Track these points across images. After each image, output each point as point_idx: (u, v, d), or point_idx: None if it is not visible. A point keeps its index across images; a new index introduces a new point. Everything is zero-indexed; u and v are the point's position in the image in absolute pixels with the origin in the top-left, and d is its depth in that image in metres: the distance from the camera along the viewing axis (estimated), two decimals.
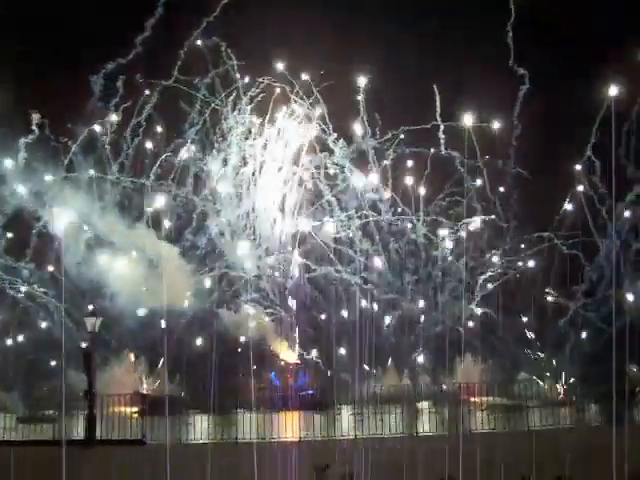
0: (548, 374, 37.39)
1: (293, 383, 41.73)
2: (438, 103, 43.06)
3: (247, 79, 44.26)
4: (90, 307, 28.84)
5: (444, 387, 36.19)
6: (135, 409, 32.29)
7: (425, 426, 26.12)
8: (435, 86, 42.65)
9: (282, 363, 44.37)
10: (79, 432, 25.16)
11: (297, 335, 44.80)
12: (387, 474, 13.13)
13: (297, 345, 44.97)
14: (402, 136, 44.06)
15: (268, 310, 44.17)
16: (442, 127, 43.37)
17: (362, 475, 12.90)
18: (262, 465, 14.18)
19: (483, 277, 44.56)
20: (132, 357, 42.17)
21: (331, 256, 44.16)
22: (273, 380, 42.59)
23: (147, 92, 42.71)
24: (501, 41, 41.01)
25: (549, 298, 43.25)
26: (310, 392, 39.57)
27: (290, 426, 26.07)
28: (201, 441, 24.32)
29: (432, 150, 43.82)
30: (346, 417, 28.58)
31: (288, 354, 45.00)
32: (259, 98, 44.38)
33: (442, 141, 43.60)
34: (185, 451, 21.07)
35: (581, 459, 13.18)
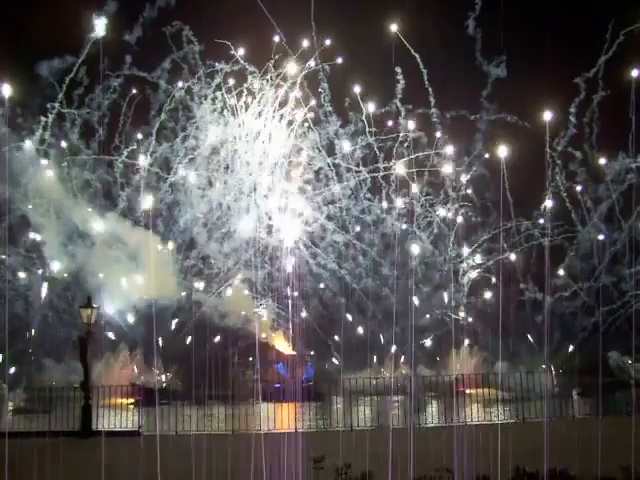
0: (544, 366, 37.42)
1: (301, 375, 41.73)
2: (401, 87, 43.04)
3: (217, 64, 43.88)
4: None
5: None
6: (131, 400, 32.34)
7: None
8: (399, 69, 42.67)
9: (277, 355, 44.48)
10: (75, 423, 25.11)
11: (291, 326, 44.85)
12: (382, 465, 13.15)
13: (291, 336, 45.03)
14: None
15: (259, 301, 44.19)
16: (403, 112, 43.45)
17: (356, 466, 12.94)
18: (258, 456, 14.20)
19: (462, 267, 44.63)
20: (127, 349, 42.29)
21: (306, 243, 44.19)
22: (280, 371, 42.62)
23: (115, 83, 42.39)
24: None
25: (527, 293, 43.42)
26: (309, 383, 39.71)
27: (287, 417, 26.08)
28: (197, 432, 24.31)
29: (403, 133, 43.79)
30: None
31: (283, 346, 45.01)
32: (222, 86, 44.07)
33: (402, 125, 43.65)
34: (181, 442, 21.07)
35: (576, 450, 13.21)
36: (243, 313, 43.08)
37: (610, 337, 40.00)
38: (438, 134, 43.93)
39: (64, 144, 43.01)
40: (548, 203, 44.07)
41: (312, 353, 43.93)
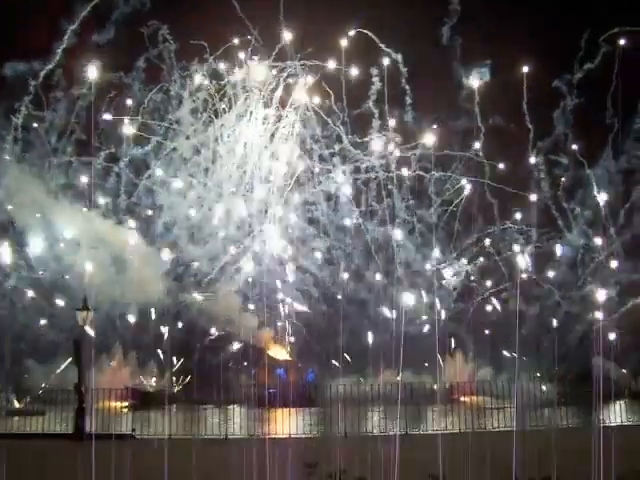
0: (539, 374, 37.46)
1: (302, 380, 41.61)
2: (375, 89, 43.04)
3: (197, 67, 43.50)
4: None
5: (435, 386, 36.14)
6: (125, 403, 32.31)
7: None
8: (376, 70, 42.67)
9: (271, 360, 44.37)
10: (69, 425, 25.06)
11: (288, 332, 44.74)
12: (375, 472, 13.18)
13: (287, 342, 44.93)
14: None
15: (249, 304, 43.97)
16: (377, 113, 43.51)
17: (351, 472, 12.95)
18: (251, 461, 14.20)
19: (447, 272, 44.60)
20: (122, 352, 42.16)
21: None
22: (281, 376, 42.49)
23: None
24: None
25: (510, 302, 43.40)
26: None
27: (281, 423, 26.04)
28: (190, 436, 24.29)
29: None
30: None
31: (278, 351, 44.93)
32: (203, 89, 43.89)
33: (374, 128, 43.68)
34: (174, 446, 21.03)
35: (569, 460, 13.25)
36: (234, 317, 42.93)
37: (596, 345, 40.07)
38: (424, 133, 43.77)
39: (40, 145, 42.84)
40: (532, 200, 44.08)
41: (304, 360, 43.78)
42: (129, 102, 43.16)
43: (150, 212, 44.19)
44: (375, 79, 42.72)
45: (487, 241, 44.38)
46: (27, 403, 32.51)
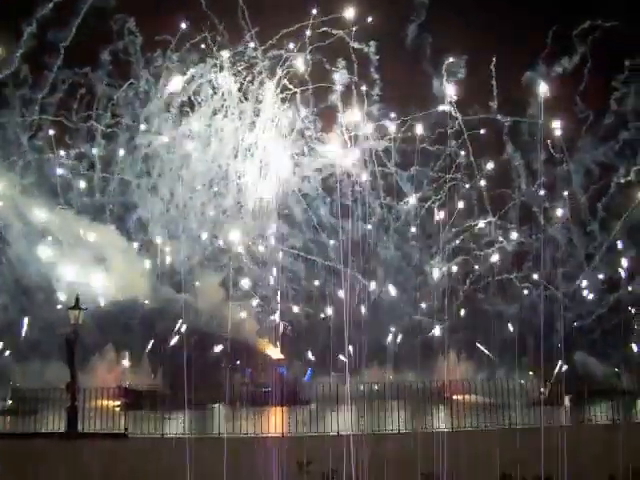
0: (531, 373, 37.52)
1: (303, 379, 41.57)
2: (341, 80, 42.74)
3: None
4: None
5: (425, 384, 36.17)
6: (118, 402, 32.19)
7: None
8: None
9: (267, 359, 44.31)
10: (60, 425, 24.95)
11: (280, 330, 44.61)
12: (368, 471, 13.18)
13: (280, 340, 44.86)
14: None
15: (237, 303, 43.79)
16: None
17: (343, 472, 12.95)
18: (245, 460, 14.23)
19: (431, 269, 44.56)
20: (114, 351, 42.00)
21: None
22: (283, 374, 42.43)
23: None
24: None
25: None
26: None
27: (275, 421, 26.03)
28: (183, 435, 24.22)
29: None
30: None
31: (272, 350, 44.87)
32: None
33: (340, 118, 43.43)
34: (167, 445, 21.01)
35: (560, 458, 13.30)
36: (218, 313, 42.79)
37: (577, 343, 40.33)
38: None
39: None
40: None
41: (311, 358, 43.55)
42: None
43: (124, 209, 44.05)
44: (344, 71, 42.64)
45: (464, 237, 44.44)
46: (4, 400, 32.26)
